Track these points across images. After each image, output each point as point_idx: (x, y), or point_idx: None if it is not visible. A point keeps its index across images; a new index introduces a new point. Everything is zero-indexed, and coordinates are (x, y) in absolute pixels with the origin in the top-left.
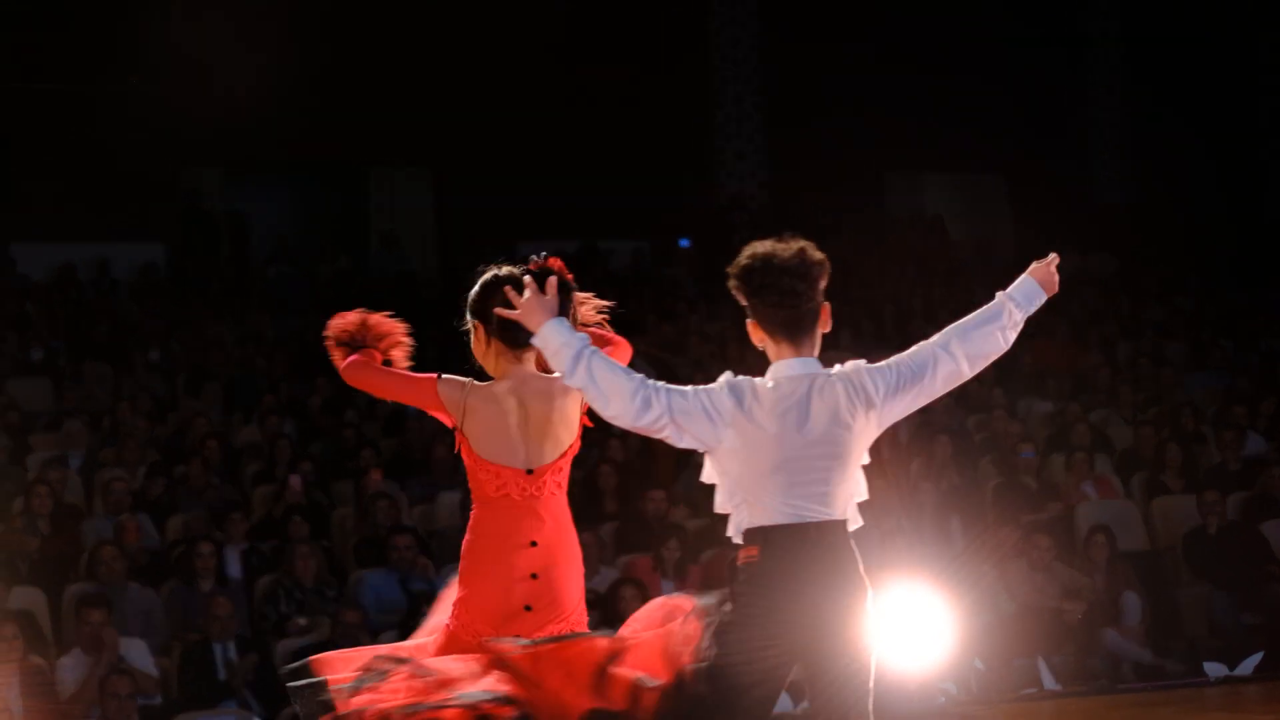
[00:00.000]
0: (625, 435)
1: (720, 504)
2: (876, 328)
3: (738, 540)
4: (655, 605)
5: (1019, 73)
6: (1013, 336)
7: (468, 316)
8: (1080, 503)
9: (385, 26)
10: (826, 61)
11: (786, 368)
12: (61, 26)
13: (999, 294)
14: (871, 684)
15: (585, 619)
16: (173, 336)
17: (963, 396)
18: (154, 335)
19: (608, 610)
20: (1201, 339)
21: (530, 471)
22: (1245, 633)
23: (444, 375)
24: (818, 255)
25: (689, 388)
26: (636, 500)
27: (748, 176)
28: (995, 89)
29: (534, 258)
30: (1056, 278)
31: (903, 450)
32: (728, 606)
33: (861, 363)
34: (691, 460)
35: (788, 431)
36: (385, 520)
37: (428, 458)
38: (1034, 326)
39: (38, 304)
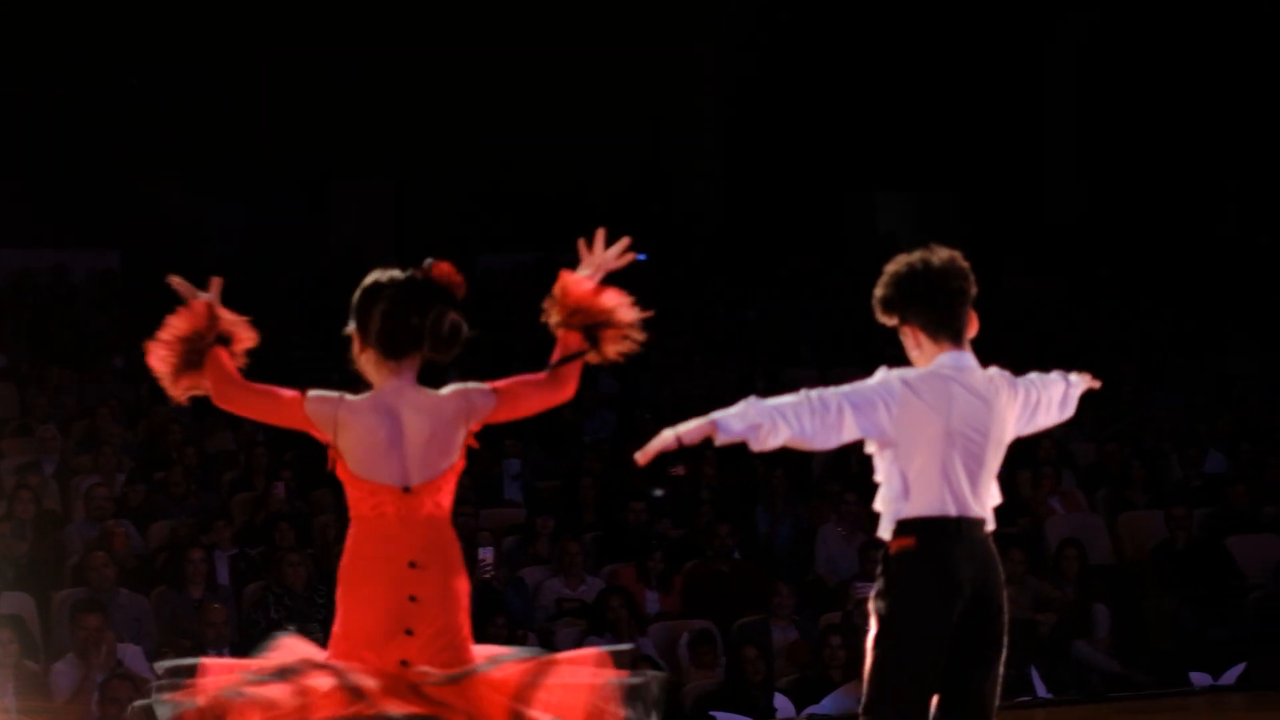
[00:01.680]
0: (602, 446)
1: (882, 490)
2: (834, 346)
3: (886, 533)
4: (589, 654)
5: (974, 93)
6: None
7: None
8: (1048, 516)
9: (348, 38)
10: (783, 81)
11: (951, 360)
12: (19, 29)
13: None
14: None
15: (469, 642)
16: (137, 343)
17: None
18: (118, 341)
19: (596, 619)
20: (1156, 358)
21: (408, 489)
22: (1212, 646)
23: (312, 391)
24: (966, 262)
25: (854, 386)
26: (617, 511)
27: (705, 194)
28: (950, 109)
29: (426, 262)
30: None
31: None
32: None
33: (1012, 377)
34: (669, 473)
35: (953, 421)
36: None
37: None
38: (991, 346)
39: None
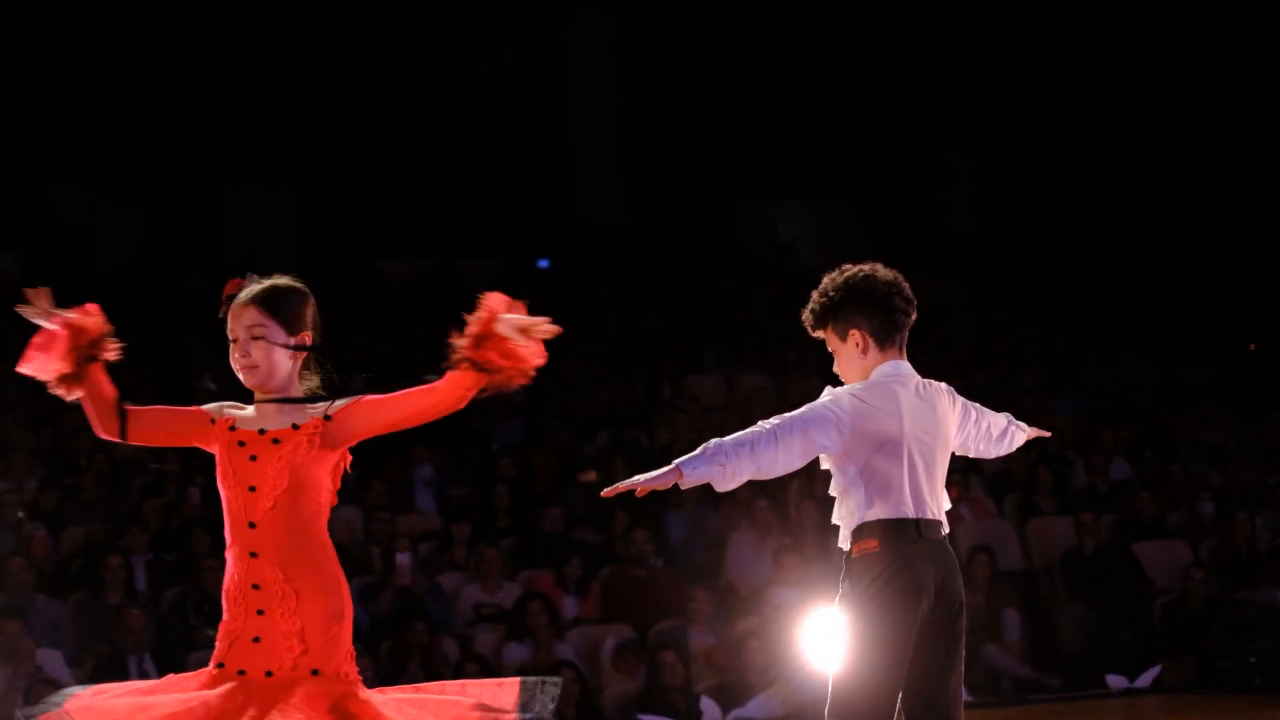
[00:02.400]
0: (512, 452)
1: (840, 503)
2: (738, 353)
3: (846, 543)
4: (455, 686)
5: (872, 102)
6: (1014, 444)
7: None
8: (957, 523)
9: (247, 42)
10: (682, 88)
11: (892, 368)
12: None
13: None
14: None
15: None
16: None
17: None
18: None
19: (515, 624)
20: (1057, 365)
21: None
22: (1121, 649)
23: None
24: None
25: (807, 407)
26: (532, 517)
27: (605, 201)
28: (849, 118)
29: (245, 278)
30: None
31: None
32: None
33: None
34: (576, 479)
35: (905, 425)
36: None
37: None
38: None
39: None
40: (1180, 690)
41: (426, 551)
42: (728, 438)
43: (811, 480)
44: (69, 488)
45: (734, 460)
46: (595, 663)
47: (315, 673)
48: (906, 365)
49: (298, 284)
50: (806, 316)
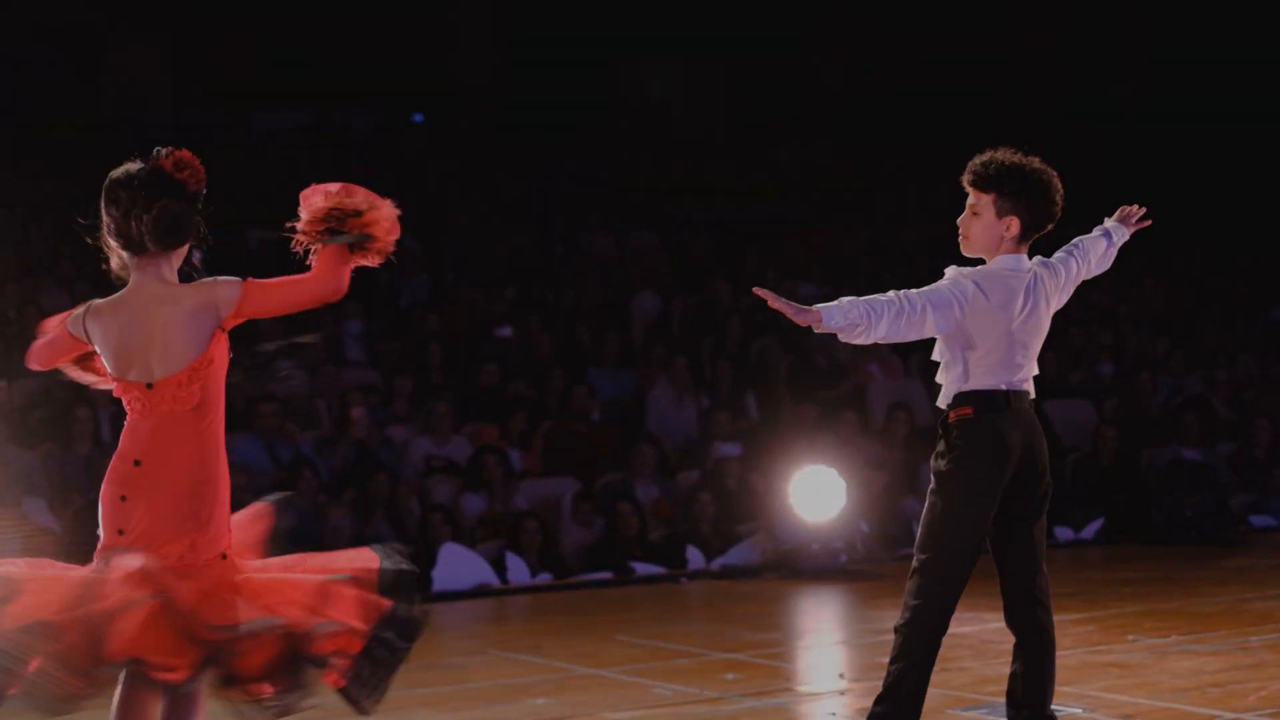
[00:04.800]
0: (421, 308)
1: (943, 370)
2: (624, 211)
3: (945, 405)
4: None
5: None
6: (1113, 255)
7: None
8: (869, 382)
9: None
10: None
11: (1015, 261)
12: None
13: (1100, 228)
14: None
15: (200, 552)
16: None
17: (737, 279)
18: None
19: (470, 476)
20: (940, 223)
21: (150, 385)
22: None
23: (69, 315)
24: None
25: (933, 289)
26: (471, 373)
27: (479, 57)
28: None
29: (157, 151)
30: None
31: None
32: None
33: (1050, 261)
34: (495, 335)
35: (1013, 316)
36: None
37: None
38: (791, 217)
39: None
40: (1123, 542)
41: (372, 404)
42: (861, 299)
43: (724, 341)
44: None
45: (866, 322)
46: (553, 513)
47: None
48: (1025, 260)
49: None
50: (976, 171)
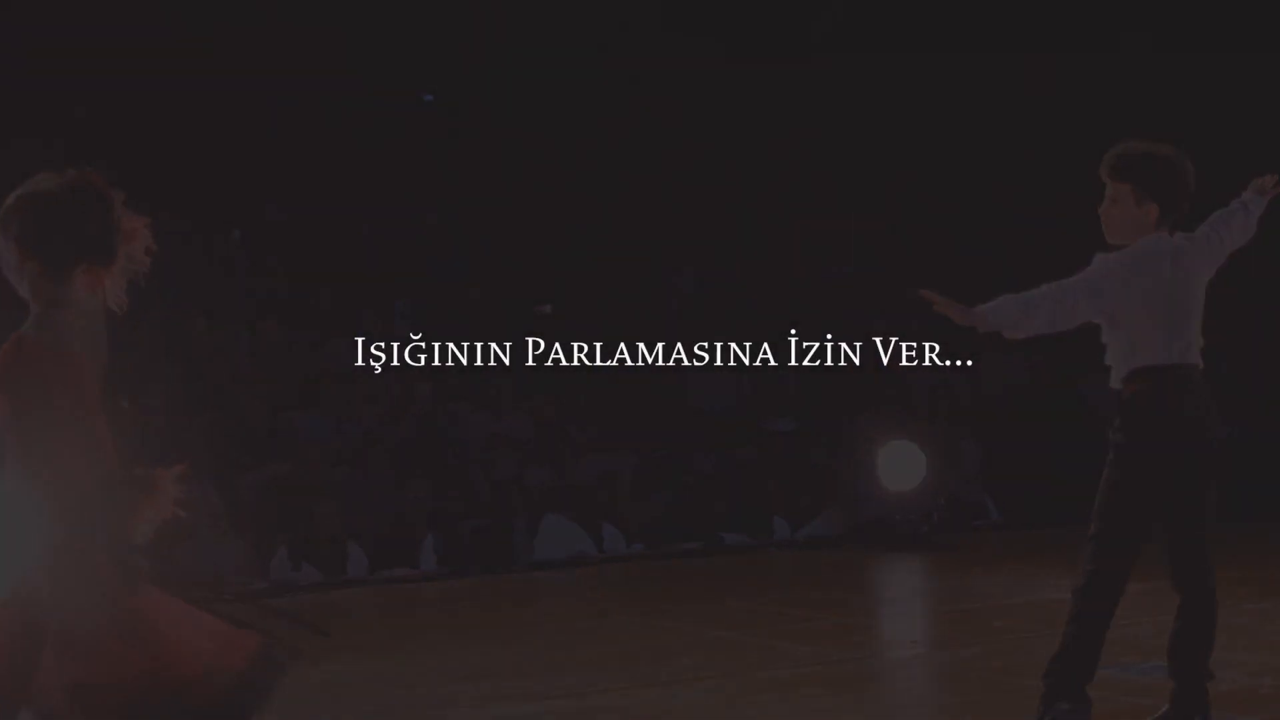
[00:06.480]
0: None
1: (1109, 350)
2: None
3: (1118, 384)
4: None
5: None
6: (1254, 226)
7: None
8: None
9: None
10: None
11: (1156, 241)
12: None
13: (1237, 199)
14: None
15: None
16: None
17: None
18: None
19: (534, 451)
20: None
21: None
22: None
23: None
24: None
25: (1083, 277)
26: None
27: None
28: None
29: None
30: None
31: None
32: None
33: (1193, 235)
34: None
35: (1163, 293)
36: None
37: None
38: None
39: None
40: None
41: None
42: (1018, 296)
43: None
44: None
45: (1025, 318)
46: (614, 486)
47: None
48: (1167, 238)
49: None
50: (1111, 163)
